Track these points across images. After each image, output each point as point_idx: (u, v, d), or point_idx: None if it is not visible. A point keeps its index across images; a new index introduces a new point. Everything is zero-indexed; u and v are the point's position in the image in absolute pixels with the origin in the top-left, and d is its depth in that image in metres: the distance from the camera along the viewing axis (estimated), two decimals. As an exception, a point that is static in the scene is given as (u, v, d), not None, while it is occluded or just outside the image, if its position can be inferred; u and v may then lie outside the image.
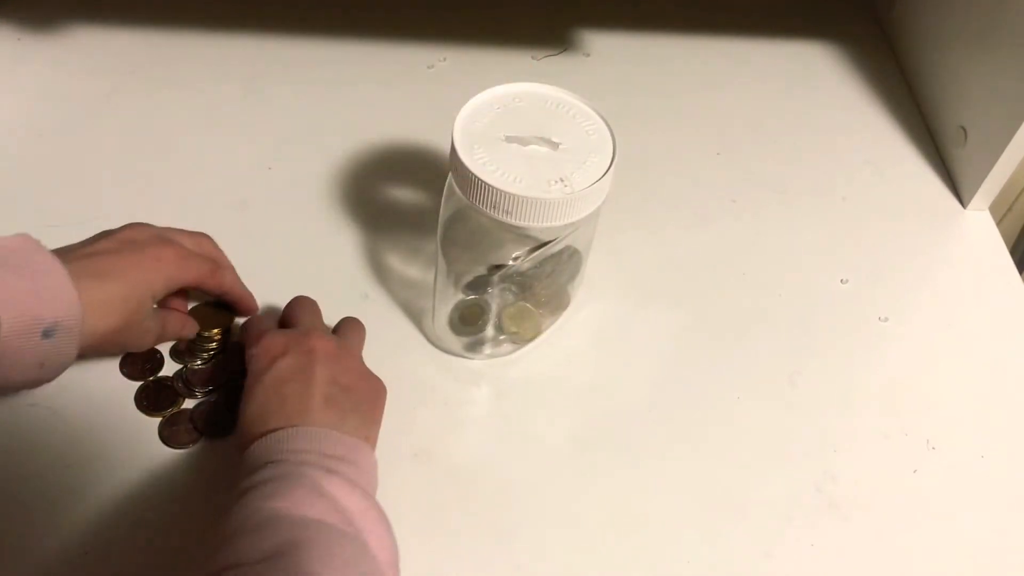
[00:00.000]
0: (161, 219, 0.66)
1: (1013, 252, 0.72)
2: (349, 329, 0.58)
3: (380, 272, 0.64)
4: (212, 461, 0.54)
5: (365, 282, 0.64)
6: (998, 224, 0.74)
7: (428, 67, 0.80)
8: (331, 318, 0.61)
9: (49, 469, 0.53)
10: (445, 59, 0.81)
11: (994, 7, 0.71)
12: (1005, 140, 0.69)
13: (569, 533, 0.54)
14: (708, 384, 0.61)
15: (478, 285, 0.57)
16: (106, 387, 0.56)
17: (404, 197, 0.69)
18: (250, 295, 0.60)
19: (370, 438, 0.51)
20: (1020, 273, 0.70)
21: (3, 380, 0.46)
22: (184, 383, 0.57)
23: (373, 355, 0.60)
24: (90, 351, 0.50)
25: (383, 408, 0.54)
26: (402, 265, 0.65)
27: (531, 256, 0.54)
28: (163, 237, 0.55)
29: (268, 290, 0.62)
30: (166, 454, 0.54)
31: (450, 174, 0.53)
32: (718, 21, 0.87)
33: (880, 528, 0.55)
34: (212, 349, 0.58)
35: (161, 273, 0.53)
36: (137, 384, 0.57)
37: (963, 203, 0.75)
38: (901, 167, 0.77)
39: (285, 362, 0.51)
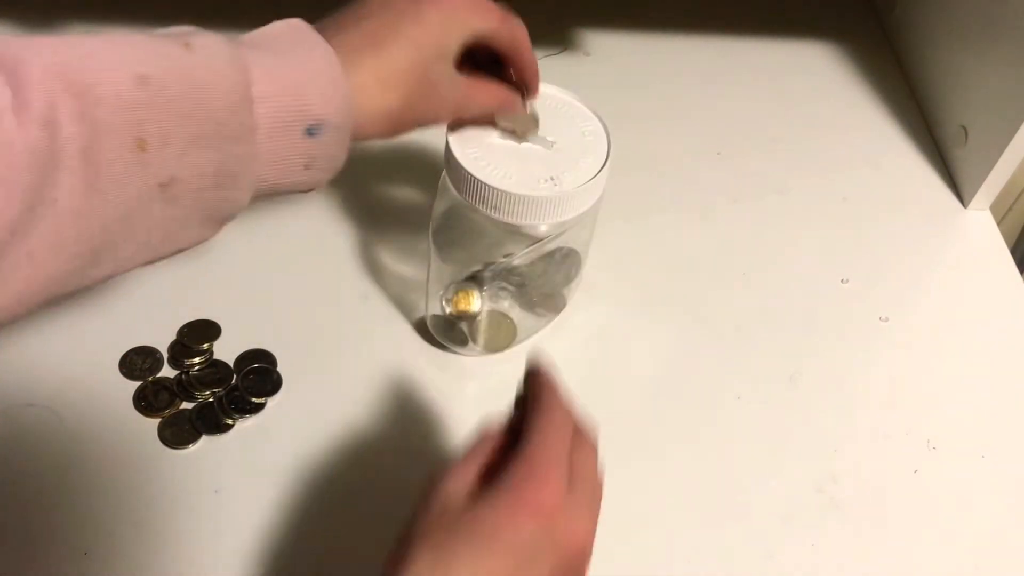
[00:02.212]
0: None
1: (1014, 252, 0.72)
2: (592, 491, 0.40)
3: (380, 272, 0.64)
4: (212, 461, 0.54)
5: (365, 283, 0.64)
6: (999, 224, 0.74)
7: (428, 67, 0.80)
8: (332, 320, 0.61)
9: (49, 469, 0.53)
10: (445, 59, 0.81)
11: (994, 7, 0.71)
12: (1006, 140, 0.69)
13: (569, 533, 0.53)
14: (708, 384, 0.61)
15: (470, 283, 0.58)
16: (106, 387, 0.56)
17: (404, 197, 0.69)
18: (537, 71, 0.51)
19: None
20: (1020, 273, 0.70)
21: (264, 181, 0.41)
22: (182, 385, 0.57)
23: (372, 355, 0.60)
24: (374, 134, 0.43)
25: None
26: (401, 264, 0.65)
27: (521, 255, 0.54)
28: None
29: (268, 291, 0.62)
30: (166, 454, 0.54)
31: (444, 170, 0.53)
32: (718, 21, 0.87)
33: (881, 528, 0.55)
34: (204, 358, 0.58)
35: (450, 25, 0.44)
36: (136, 384, 0.57)
37: (964, 203, 0.75)
38: (901, 167, 0.77)
39: (529, 534, 0.35)
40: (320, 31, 0.42)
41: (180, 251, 0.42)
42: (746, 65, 0.84)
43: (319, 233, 0.66)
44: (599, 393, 0.60)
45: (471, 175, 0.50)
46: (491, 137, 0.52)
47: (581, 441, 0.40)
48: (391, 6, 0.43)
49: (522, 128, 0.52)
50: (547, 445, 0.38)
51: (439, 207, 0.55)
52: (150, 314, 0.60)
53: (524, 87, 0.52)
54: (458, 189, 0.51)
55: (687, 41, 0.86)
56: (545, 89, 0.55)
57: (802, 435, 0.59)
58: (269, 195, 0.42)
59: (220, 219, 0.41)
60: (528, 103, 0.53)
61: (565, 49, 0.83)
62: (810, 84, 0.84)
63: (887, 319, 0.66)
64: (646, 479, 0.56)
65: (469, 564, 0.35)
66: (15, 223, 0.34)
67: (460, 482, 0.38)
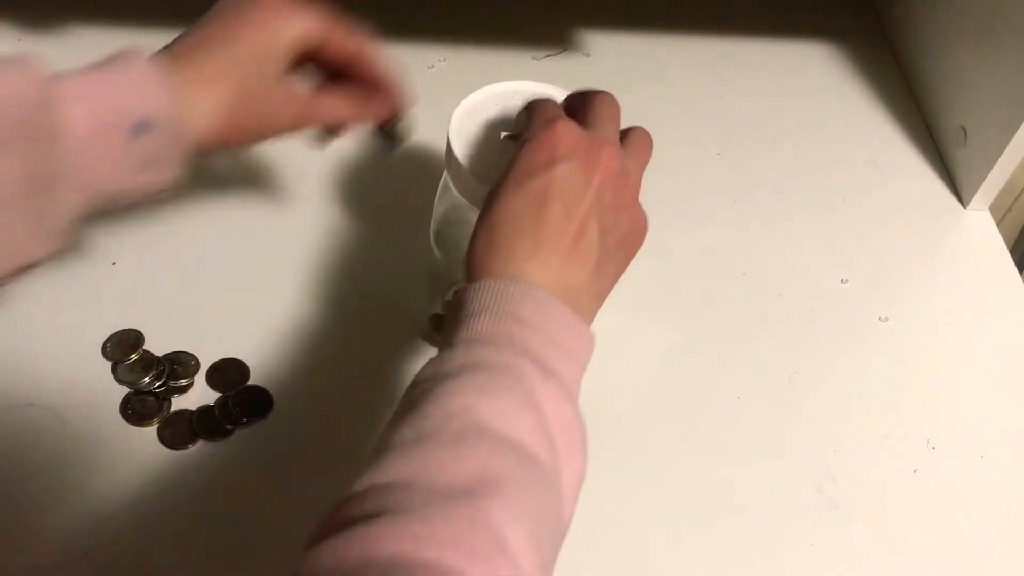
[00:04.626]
0: (161, 220, 0.66)
1: (1013, 252, 0.72)
2: (638, 146, 0.47)
3: (380, 272, 0.64)
4: (211, 462, 0.54)
5: (365, 282, 0.64)
6: (998, 224, 0.74)
7: (428, 67, 0.80)
8: (332, 319, 0.61)
9: (49, 469, 0.53)
10: (445, 59, 0.81)
11: (994, 7, 0.71)
12: (1005, 140, 0.69)
13: (569, 533, 0.53)
14: (708, 384, 0.61)
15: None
16: (106, 387, 0.56)
17: (405, 197, 0.69)
18: (398, 81, 0.51)
19: (604, 295, 0.44)
20: (1020, 273, 0.70)
21: (95, 186, 0.40)
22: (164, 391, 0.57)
23: (373, 355, 0.60)
24: (213, 141, 0.43)
25: (635, 253, 0.46)
26: (401, 264, 0.65)
27: None
28: None
29: (269, 291, 0.62)
30: (165, 455, 0.54)
31: (445, 170, 0.53)
32: (718, 21, 0.87)
33: (880, 528, 0.55)
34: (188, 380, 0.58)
35: (273, 26, 0.44)
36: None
37: (963, 203, 0.75)
38: (901, 167, 0.77)
39: (564, 169, 0.42)
40: (165, 46, 0.43)
41: (24, 268, 0.40)
42: (746, 65, 0.84)
43: (319, 233, 0.66)
44: (599, 393, 0.60)
45: (471, 175, 0.50)
46: (491, 137, 0.52)
47: (595, 101, 0.47)
48: (221, 13, 0.45)
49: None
50: (544, 111, 0.45)
51: (440, 207, 0.55)
52: (152, 315, 0.60)
53: (387, 101, 0.52)
54: (458, 188, 0.51)
55: (687, 41, 0.86)
56: (546, 89, 0.55)
57: (802, 435, 0.59)
58: (115, 202, 0.41)
59: (53, 229, 0.40)
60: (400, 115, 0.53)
61: (565, 49, 0.83)
62: (810, 84, 0.84)
63: (887, 319, 0.66)
64: (646, 479, 0.56)
65: (518, 203, 0.42)
66: None
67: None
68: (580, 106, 0.47)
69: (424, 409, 0.35)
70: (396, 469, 0.33)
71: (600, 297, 0.44)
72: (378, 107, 0.52)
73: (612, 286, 0.45)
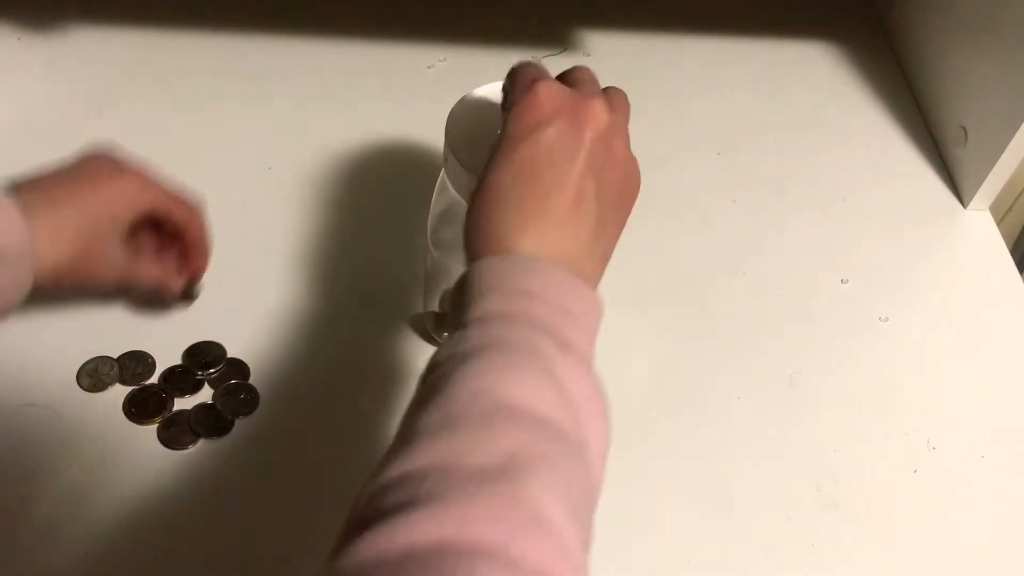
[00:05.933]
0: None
1: (1013, 252, 0.72)
2: (618, 101, 0.47)
3: (378, 271, 0.64)
4: (210, 462, 0.54)
5: (363, 282, 0.64)
6: (998, 224, 0.74)
7: (428, 67, 0.80)
8: (331, 318, 0.61)
9: (48, 469, 0.53)
10: (445, 59, 0.81)
11: (994, 6, 0.71)
12: (1005, 140, 0.69)
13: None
14: (708, 384, 0.61)
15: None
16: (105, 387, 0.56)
17: (405, 197, 0.69)
18: (208, 248, 0.56)
19: (607, 256, 0.44)
20: (1020, 273, 0.70)
21: None
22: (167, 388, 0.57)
23: (370, 354, 0.60)
24: (47, 284, 0.47)
25: (632, 206, 0.46)
26: (399, 263, 0.65)
27: None
28: (124, 163, 0.51)
29: (268, 291, 0.62)
30: (165, 455, 0.54)
31: (442, 169, 0.53)
32: (718, 21, 0.87)
33: (880, 528, 0.55)
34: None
35: (121, 195, 0.49)
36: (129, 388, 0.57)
37: (963, 203, 0.75)
38: (901, 167, 0.77)
39: (552, 131, 0.42)
40: (19, 182, 0.47)
41: None
42: (746, 65, 0.84)
43: (318, 233, 0.66)
44: (599, 393, 0.60)
45: (468, 173, 0.50)
46: (489, 136, 0.52)
47: (572, 70, 0.47)
48: (78, 174, 0.49)
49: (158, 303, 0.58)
50: (525, 76, 0.44)
51: (437, 206, 0.55)
52: (152, 314, 0.60)
53: (192, 264, 0.57)
54: (455, 187, 0.52)
55: (687, 41, 0.86)
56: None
57: (802, 435, 0.59)
58: None
59: None
60: (196, 282, 0.59)
61: (565, 49, 0.83)
62: (810, 84, 0.84)
63: (887, 319, 0.66)
64: (646, 479, 0.56)
65: (508, 176, 0.42)
66: None
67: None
68: (560, 76, 0.47)
69: (447, 392, 0.35)
70: (428, 454, 0.33)
71: (604, 259, 0.44)
72: (189, 269, 0.57)
73: (614, 245, 0.45)
